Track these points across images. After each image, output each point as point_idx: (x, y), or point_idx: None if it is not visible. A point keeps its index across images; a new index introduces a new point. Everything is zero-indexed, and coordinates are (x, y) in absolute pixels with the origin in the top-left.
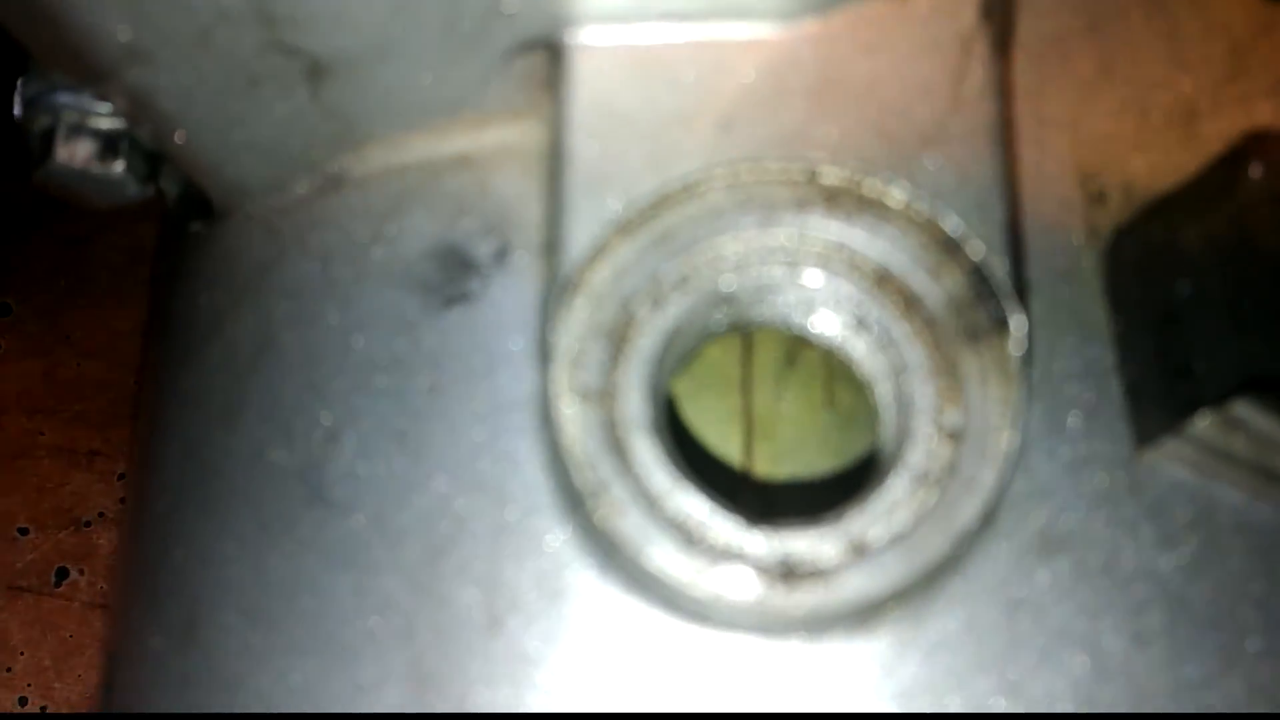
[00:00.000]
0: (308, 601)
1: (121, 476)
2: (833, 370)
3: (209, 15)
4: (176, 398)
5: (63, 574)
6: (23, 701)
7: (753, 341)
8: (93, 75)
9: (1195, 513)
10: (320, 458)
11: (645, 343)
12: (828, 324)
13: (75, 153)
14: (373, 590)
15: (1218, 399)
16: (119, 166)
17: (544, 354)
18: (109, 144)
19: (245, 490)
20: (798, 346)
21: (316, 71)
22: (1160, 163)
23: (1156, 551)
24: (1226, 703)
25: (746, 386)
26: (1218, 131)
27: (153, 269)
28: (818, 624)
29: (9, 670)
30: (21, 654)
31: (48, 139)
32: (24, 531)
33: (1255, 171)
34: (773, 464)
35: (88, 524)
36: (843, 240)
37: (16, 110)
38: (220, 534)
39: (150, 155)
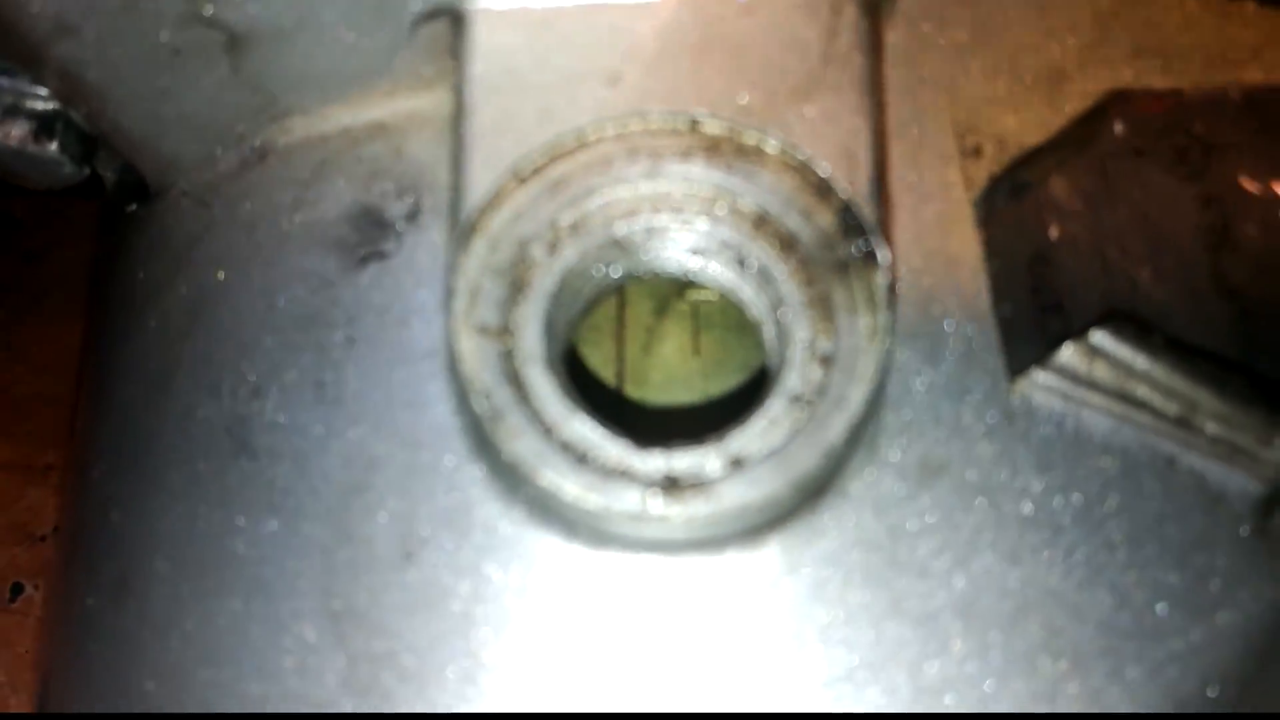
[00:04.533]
0: (234, 547)
1: None
2: (699, 320)
3: None
4: (113, 371)
5: (18, 589)
6: None
7: (626, 295)
8: (23, 53)
9: (1064, 438)
10: (246, 412)
11: (542, 283)
12: (713, 266)
13: (10, 132)
14: (294, 533)
15: (1081, 331)
16: (54, 146)
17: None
18: (44, 124)
19: (177, 448)
20: (668, 298)
21: (235, 43)
22: (1031, 120)
23: (1029, 474)
24: (1096, 609)
25: (620, 336)
26: (1083, 91)
27: (93, 254)
28: (705, 537)
29: None
30: None
31: None
32: None
33: (1117, 127)
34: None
35: (42, 539)
36: (724, 186)
37: None
38: (153, 492)
39: (85, 137)
